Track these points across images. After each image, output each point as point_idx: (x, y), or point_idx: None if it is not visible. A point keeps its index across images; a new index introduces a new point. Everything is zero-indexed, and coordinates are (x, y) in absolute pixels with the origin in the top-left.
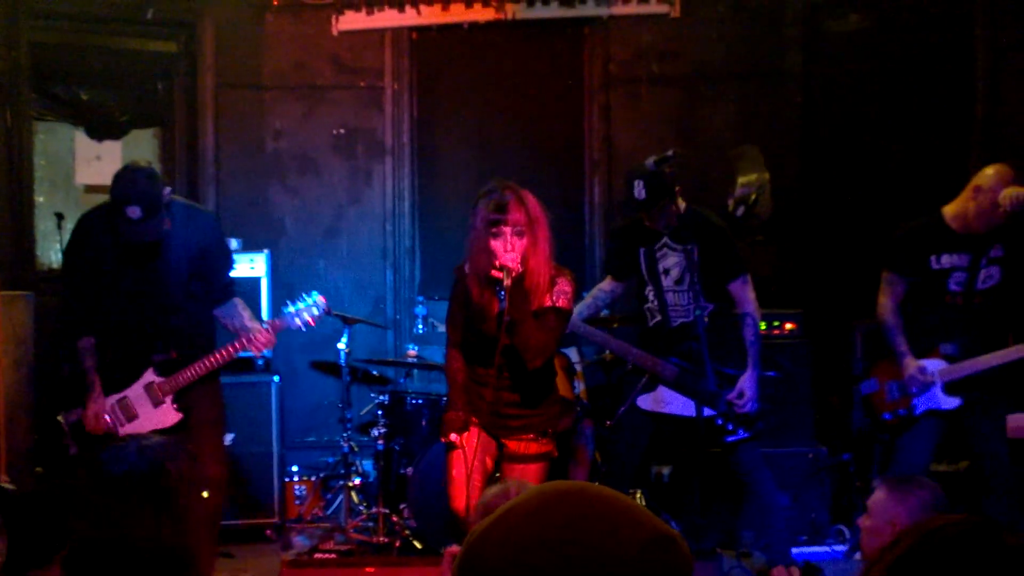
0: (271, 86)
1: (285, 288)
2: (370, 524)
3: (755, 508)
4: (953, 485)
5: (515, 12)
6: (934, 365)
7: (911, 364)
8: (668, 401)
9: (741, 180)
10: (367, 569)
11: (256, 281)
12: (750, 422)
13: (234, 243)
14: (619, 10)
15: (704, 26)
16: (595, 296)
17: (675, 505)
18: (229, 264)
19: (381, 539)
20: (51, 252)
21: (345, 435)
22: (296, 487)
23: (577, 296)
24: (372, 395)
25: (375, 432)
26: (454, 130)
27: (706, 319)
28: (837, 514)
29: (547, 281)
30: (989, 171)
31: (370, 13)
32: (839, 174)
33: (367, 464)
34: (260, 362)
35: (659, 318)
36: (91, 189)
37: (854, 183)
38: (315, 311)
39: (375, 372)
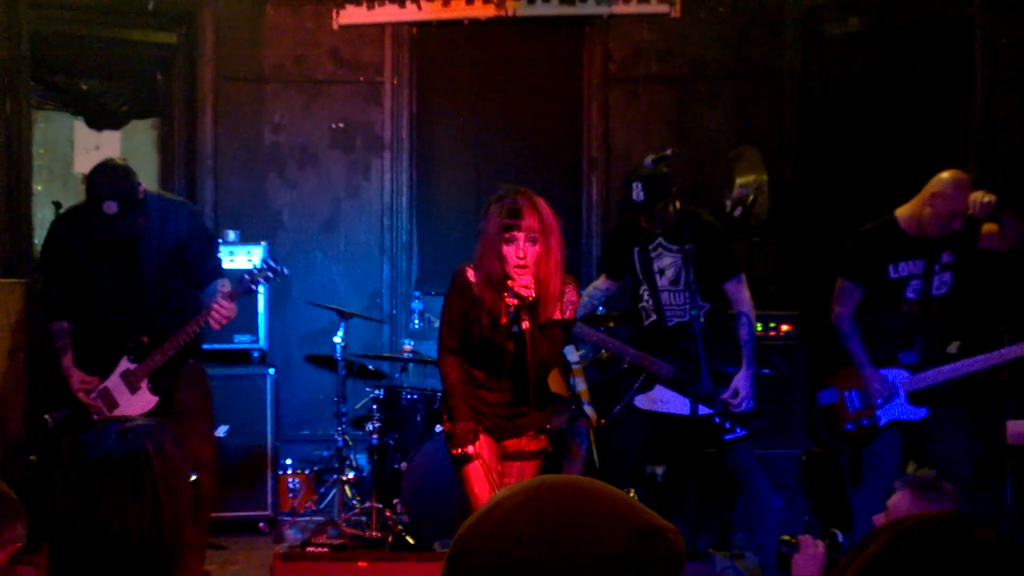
0: (271, 79)
1: (282, 280)
2: (363, 518)
3: (748, 509)
4: None
5: (515, 9)
6: (894, 374)
7: (871, 376)
8: (664, 400)
9: (739, 181)
10: (359, 563)
11: (218, 263)
12: (747, 420)
13: (231, 235)
14: (619, 9)
15: (704, 26)
16: (590, 295)
17: (669, 505)
18: (213, 249)
19: (374, 533)
20: None
21: (340, 429)
22: (290, 480)
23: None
24: (367, 389)
25: (369, 426)
26: (453, 126)
27: (702, 319)
28: (828, 517)
29: (558, 291)
30: (945, 176)
31: (370, 8)
32: (836, 176)
33: (361, 458)
34: (256, 354)
35: (654, 317)
36: None
37: (851, 185)
38: (269, 274)
39: (371, 366)
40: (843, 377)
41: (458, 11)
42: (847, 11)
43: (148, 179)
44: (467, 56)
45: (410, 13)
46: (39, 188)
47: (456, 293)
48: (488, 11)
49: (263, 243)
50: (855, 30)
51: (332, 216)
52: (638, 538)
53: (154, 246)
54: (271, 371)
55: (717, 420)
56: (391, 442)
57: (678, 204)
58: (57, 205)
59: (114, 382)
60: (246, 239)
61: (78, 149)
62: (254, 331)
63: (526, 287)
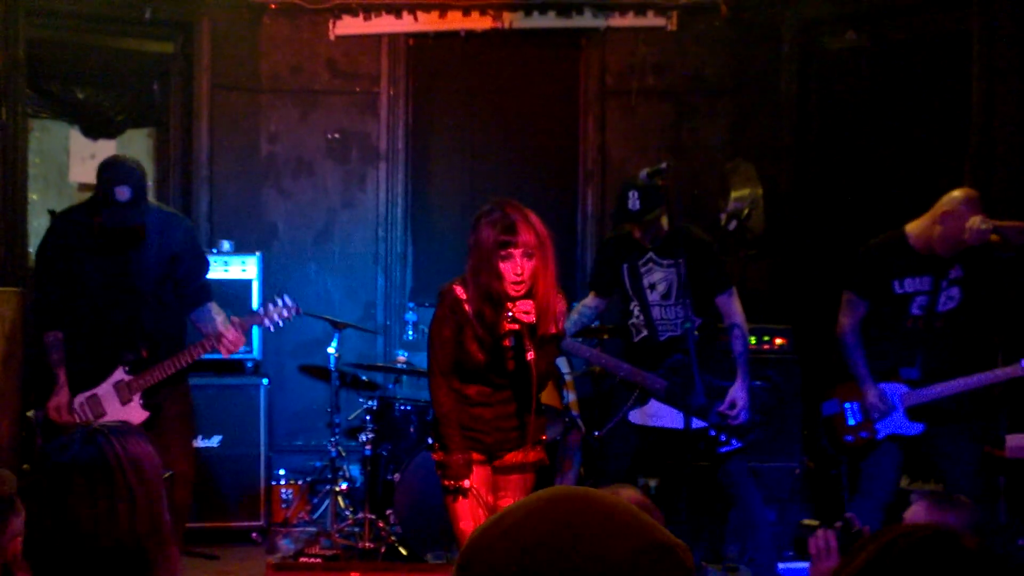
0: (267, 89)
1: (276, 291)
2: (356, 529)
3: (741, 522)
4: None
5: (512, 21)
6: (894, 389)
7: (871, 389)
8: (658, 415)
9: (734, 195)
10: (352, 574)
11: (248, 284)
12: (743, 432)
13: (226, 245)
14: (616, 22)
15: (700, 40)
16: (580, 312)
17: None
18: (203, 268)
19: (367, 544)
20: None
21: (333, 439)
22: (283, 490)
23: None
24: (361, 400)
25: (363, 437)
26: (449, 137)
27: (696, 333)
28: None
29: (554, 306)
30: (957, 194)
31: (367, 19)
32: (832, 190)
33: (354, 469)
34: (250, 364)
35: (645, 333)
36: (85, 187)
37: (847, 199)
38: (285, 312)
39: (364, 377)
40: (845, 389)
41: (455, 23)
42: (844, 25)
43: None
44: (464, 68)
45: (407, 24)
46: (34, 197)
47: (446, 314)
48: (485, 23)
49: (257, 253)
50: (852, 44)
51: (327, 226)
52: (648, 553)
53: (151, 255)
54: (264, 381)
55: (713, 433)
56: (384, 453)
57: (666, 220)
58: (52, 214)
59: (105, 390)
60: (241, 249)
61: (74, 158)
62: (248, 341)
63: (527, 312)
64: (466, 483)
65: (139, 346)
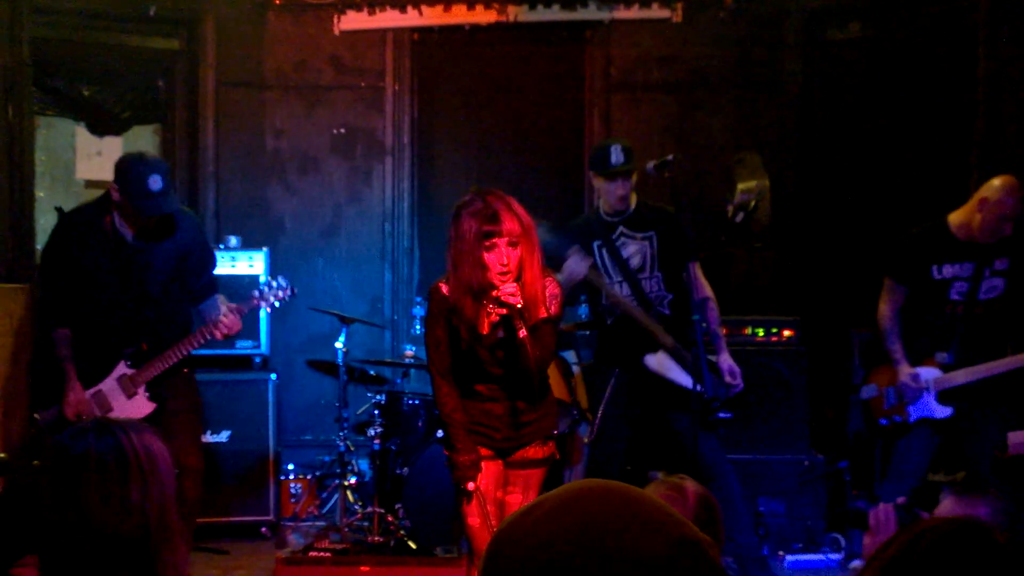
0: (272, 85)
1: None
2: (365, 523)
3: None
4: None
5: (517, 15)
6: (928, 373)
7: (905, 371)
8: (671, 368)
9: (741, 186)
10: (362, 568)
11: (255, 279)
12: (736, 403)
13: (233, 241)
14: (621, 14)
15: (705, 32)
16: None
17: None
18: (212, 263)
19: (376, 538)
20: None
21: (341, 434)
22: (292, 485)
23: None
24: (369, 395)
25: (371, 432)
26: (454, 132)
27: (667, 310)
28: (832, 522)
29: (542, 291)
30: (996, 182)
31: (372, 13)
32: (838, 182)
33: (363, 463)
34: (258, 360)
35: (626, 307)
36: (91, 184)
37: (853, 191)
38: (280, 293)
39: (372, 372)
40: (883, 373)
41: (459, 17)
42: (849, 17)
43: None
44: (468, 62)
45: (411, 19)
46: (41, 194)
47: (437, 314)
48: (489, 17)
49: (264, 249)
50: (857, 36)
51: (333, 222)
52: (678, 548)
53: (163, 253)
54: (273, 376)
55: (708, 397)
56: (393, 447)
57: (634, 197)
58: (59, 211)
59: (109, 386)
60: (247, 245)
61: (80, 155)
62: (256, 337)
63: (512, 295)
64: (471, 485)
65: (139, 339)
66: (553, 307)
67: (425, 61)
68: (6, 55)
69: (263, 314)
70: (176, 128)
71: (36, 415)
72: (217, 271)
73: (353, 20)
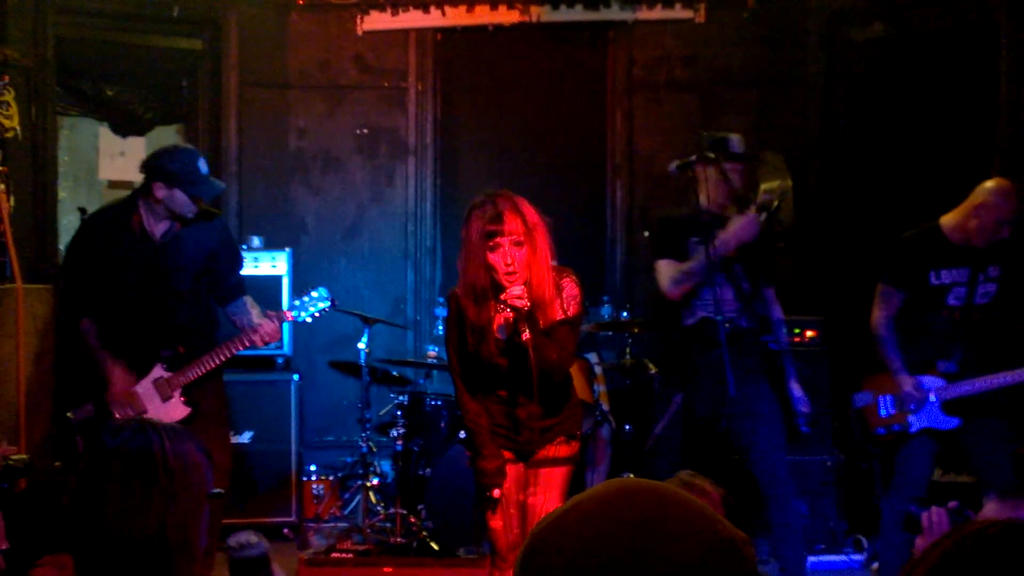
0: (295, 85)
1: (306, 287)
2: (387, 524)
3: (774, 519)
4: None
5: (540, 15)
6: (931, 382)
7: (906, 381)
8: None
9: (764, 186)
10: (384, 569)
11: (277, 279)
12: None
13: (256, 241)
14: (643, 15)
15: (728, 32)
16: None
17: None
18: (239, 264)
19: (398, 539)
20: None
21: (364, 435)
22: (314, 486)
23: (584, 294)
24: (391, 395)
25: (394, 432)
26: (477, 132)
27: (728, 325)
28: (854, 523)
29: (554, 290)
30: (989, 185)
31: (395, 13)
32: (860, 182)
33: (385, 464)
34: (280, 360)
35: (704, 314)
36: (114, 185)
37: (875, 191)
38: (320, 304)
39: (395, 372)
40: (879, 381)
41: (482, 17)
42: (871, 17)
43: None
44: (491, 62)
45: (434, 19)
46: (64, 194)
47: (453, 319)
48: (512, 17)
49: (287, 249)
50: (879, 35)
51: (356, 222)
52: (716, 550)
53: (190, 251)
54: (295, 377)
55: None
56: (415, 448)
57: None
58: (82, 211)
59: (145, 388)
60: (270, 245)
61: (103, 155)
62: (279, 336)
63: (519, 297)
64: (496, 492)
65: (175, 343)
66: (571, 308)
67: (448, 61)
68: (30, 56)
69: (285, 324)
70: (199, 128)
71: (69, 413)
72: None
73: (376, 20)
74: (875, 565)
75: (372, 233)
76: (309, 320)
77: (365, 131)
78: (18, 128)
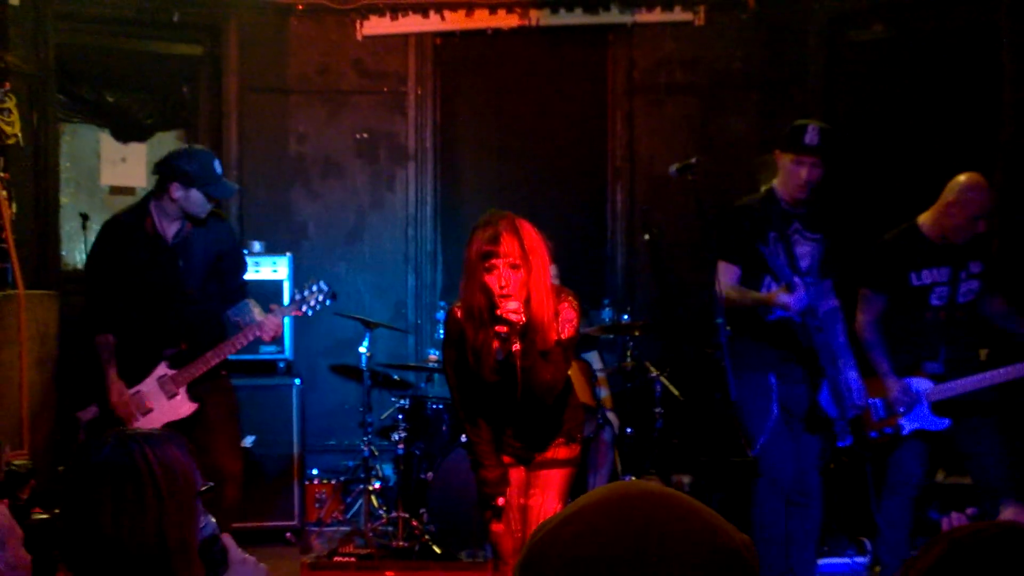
0: (295, 90)
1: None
2: (389, 528)
3: (796, 531)
4: (956, 496)
5: (539, 19)
6: (919, 384)
7: (894, 383)
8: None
9: (764, 188)
10: (386, 573)
11: (279, 284)
12: (857, 428)
13: (257, 246)
14: (643, 18)
15: (727, 35)
16: (739, 290)
17: None
18: (243, 268)
19: (400, 543)
20: (76, 252)
21: (365, 439)
22: (316, 490)
23: (582, 317)
24: (393, 399)
25: (395, 436)
26: (477, 135)
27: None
28: (857, 526)
29: (552, 315)
30: (961, 179)
31: (394, 18)
32: (862, 183)
33: (387, 468)
34: (282, 365)
35: (783, 313)
36: (116, 190)
37: (877, 192)
38: (321, 296)
39: (396, 376)
40: (869, 385)
41: (482, 21)
42: (872, 18)
43: None
44: (491, 66)
45: (434, 23)
46: (65, 201)
47: (451, 337)
48: (512, 21)
49: (288, 254)
50: (879, 37)
51: (356, 226)
52: (718, 557)
53: (199, 252)
54: (297, 381)
55: (839, 427)
56: (417, 452)
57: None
58: (84, 217)
59: (150, 386)
60: (271, 250)
61: (104, 161)
62: (279, 342)
63: (515, 312)
64: (501, 501)
65: (178, 340)
66: (566, 331)
67: (447, 65)
68: (31, 62)
69: (286, 319)
70: (200, 134)
71: (77, 414)
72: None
73: (376, 25)
74: (879, 568)
75: (373, 237)
76: (310, 314)
77: (365, 136)
78: (19, 134)
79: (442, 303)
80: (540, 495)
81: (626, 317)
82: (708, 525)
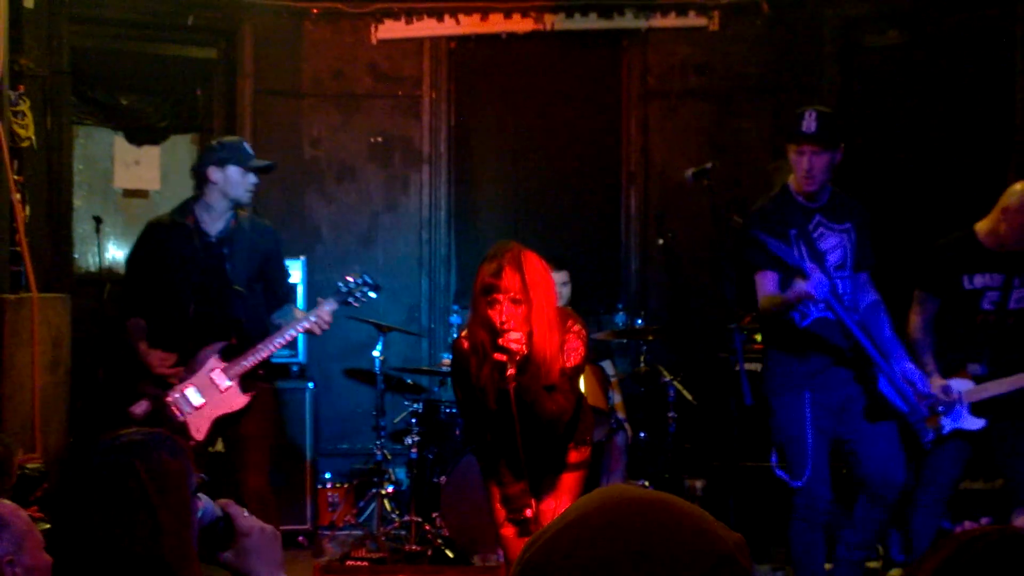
0: (309, 93)
1: (322, 295)
2: (402, 532)
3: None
4: (988, 503)
5: (554, 23)
6: (960, 385)
7: (936, 383)
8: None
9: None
10: None
11: (292, 287)
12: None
13: None
14: (657, 23)
15: (742, 40)
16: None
17: None
18: (287, 274)
19: (413, 547)
20: (89, 256)
21: (379, 443)
22: (329, 494)
23: (588, 341)
24: (406, 403)
25: (408, 440)
26: (491, 140)
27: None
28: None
29: (556, 349)
30: (1017, 188)
31: (409, 22)
32: (876, 188)
33: (400, 472)
34: (295, 368)
35: (819, 314)
36: (129, 193)
37: (891, 197)
38: (365, 289)
39: (409, 380)
40: None
41: (497, 25)
42: (886, 23)
43: (187, 194)
44: (505, 70)
45: (449, 27)
46: (79, 203)
47: (457, 367)
48: (526, 25)
49: (302, 257)
50: (894, 42)
51: (370, 230)
52: (713, 561)
53: (244, 253)
54: (310, 385)
55: (914, 419)
56: (430, 456)
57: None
58: (98, 220)
59: (202, 379)
60: (285, 253)
61: (118, 164)
62: (293, 345)
63: (517, 341)
64: (529, 512)
65: (229, 334)
66: (572, 359)
67: (462, 70)
68: (45, 65)
69: None
70: (214, 137)
71: (130, 409)
72: None
73: (390, 29)
74: (891, 572)
75: (386, 241)
76: (356, 305)
77: (379, 139)
78: (33, 137)
79: (455, 307)
80: (553, 500)
81: (640, 322)
82: (700, 528)
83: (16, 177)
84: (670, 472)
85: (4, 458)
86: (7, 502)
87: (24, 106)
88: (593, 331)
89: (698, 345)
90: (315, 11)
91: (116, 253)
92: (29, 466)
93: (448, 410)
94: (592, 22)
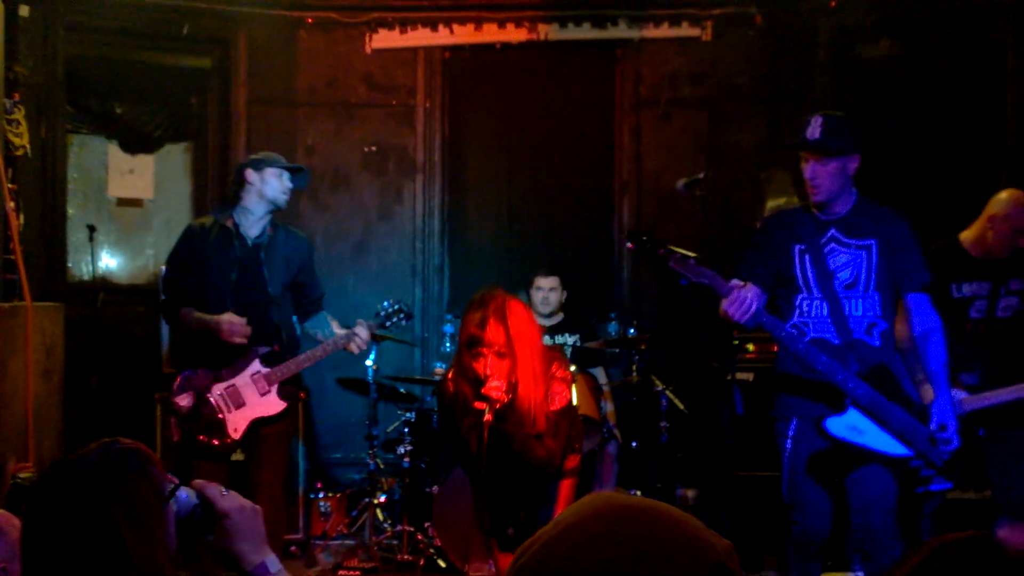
0: (303, 102)
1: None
2: (394, 542)
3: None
4: (978, 513)
5: (547, 33)
6: (954, 395)
7: (928, 393)
8: (862, 430)
9: (770, 204)
10: None
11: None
12: (951, 467)
13: None
14: (651, 33)
15: (735, 49)
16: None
17: None
18: (319, 284)
19: (405, 557)
20: (82, 264)
21: (371, 452)
22: (321, 503)
23: (573, 381)
24: (399, 412)
25: (401, 449)
26: (485, 149)
27: (877, 341)
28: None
29: (540, 399)
30: (1003, 196)
31: (403, 32)
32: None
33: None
34: None
35: (825, 334)
36: (123, 202)
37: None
38: (401, 316)
39: (402, 389)
40: None
41: (490, 35)
42: (879, 34)
43: (182, 202)
44: (499, 80)
45: (443, 37)
46: (73, 212)
47: (443, 406)
48: (520, 35)
49: None
50: (887, 53)
51: (364, 239)
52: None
53: (280, 261)
54: (303, 394)
55: (916, 464)
56: (423, 465)
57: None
58: (91, 229)
59: (244, 381)
60: None
61: (112, 173)
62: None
63: (497, 389)
64: (511, 530)
65: (271, 340)
66: (556, 403)
67: (456, 79)
68: (40, 74)
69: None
70: (208, 146)
71: (174, 399)
72: None
73: (385, 39)
74: None
75: (380, 250)
76: (393, 331)
77: (373, 148)
78: (28, 146)
79: (448, 316)
80: (545, 507)
81: (632, 331)
82: (691, 535)
83: (10, 185)
84: (662, 481)
85: None
86: (1, 511)
87: (19, 114)
88: (585, 340)
89: (690, 354)
90: (310, 20)
91: (110, 261)
92: (22, 475)
93: None
94: (586, 32)
